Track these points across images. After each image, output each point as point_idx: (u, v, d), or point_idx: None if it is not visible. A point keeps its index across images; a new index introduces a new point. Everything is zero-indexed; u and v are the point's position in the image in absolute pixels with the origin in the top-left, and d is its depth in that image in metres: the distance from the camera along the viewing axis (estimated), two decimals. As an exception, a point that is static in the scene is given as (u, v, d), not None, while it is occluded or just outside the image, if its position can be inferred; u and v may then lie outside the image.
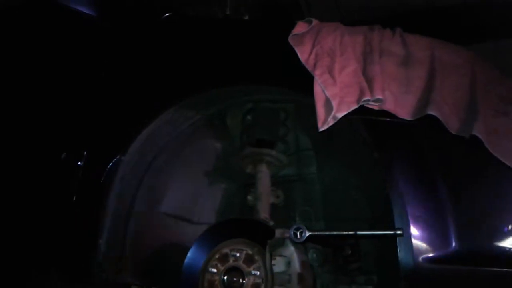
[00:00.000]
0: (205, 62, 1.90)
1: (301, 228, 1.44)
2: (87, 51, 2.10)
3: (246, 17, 2.12)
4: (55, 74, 2.06)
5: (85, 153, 1.96)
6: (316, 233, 1.47)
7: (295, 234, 1.44)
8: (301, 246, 1.56)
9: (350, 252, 1.83)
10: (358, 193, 1.75)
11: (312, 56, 1.64)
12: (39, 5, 2.17)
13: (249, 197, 1.89)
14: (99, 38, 2.13)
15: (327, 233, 1.61)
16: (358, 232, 1.41)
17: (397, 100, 1.50)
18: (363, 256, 1.81)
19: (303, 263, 1.51)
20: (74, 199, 1.91)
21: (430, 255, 1.35)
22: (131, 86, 1.97)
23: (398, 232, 1.32)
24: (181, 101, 1.87)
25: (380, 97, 1.49)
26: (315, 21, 1.79)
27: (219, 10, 2.17)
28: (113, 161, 1.90)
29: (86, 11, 2.15)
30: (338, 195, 1.86)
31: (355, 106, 1.49)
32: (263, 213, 1.79)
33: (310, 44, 1.68)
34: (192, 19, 2.12)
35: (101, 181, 1.89)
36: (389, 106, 1.50)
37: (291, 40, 1.71)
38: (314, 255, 1.89)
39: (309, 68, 1.62)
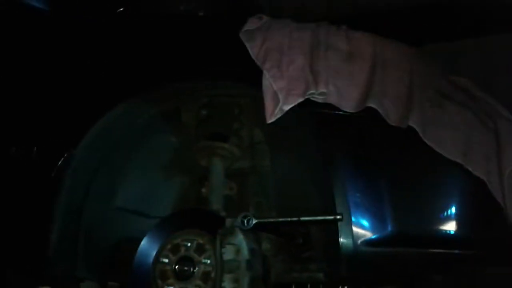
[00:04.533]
0: (159, 58, 1.98)
1: (248, 216, 1.55)
2: (39, 45, 2.13)
3: (201, 13, 2.20)
4: (6, 68, 2.09)
5: (35, 148, 2.00)
6: (263, 220, 1.57)
7: (243, 222, 1.55)
8: (251, 234, 1.67)
9: (301, 241, 1.94)
10: (309, 184, 1.86)
11: (262, 52, 1.75)
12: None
13: (203, 190, 1.98)
14: (52, 32, 2.17)
15: (272, 220, 1.72)
16: (301, 218, 1.53)
17: (340, 93, 1.63)
18: (314, 245, 1.93)
19: (252, 251, 1.62)
20: (24, 194, 1.95)
21: (369, 238, 1.48)
22: (83, 80, 2.02)
23: (338, 217, 1.45)
24: (134, 96, 1.94)
25: (324, 90, 1.61)
26: (265, 18, 1.90)
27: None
28: (64, 155, 1.95)
29: (39, 5, 2.19)
30: (290, 186, 1.97)
31: (301, 99, 1.61)
32: (216, 205, 1.89)
33: (261, 39, 1.79)
34: (147, 14, 2.19)
35: (52, 176, 1.94)
36: (333, 99, 1.63)
37: (242, 36, 1.82)
38: (268, 245, 1.99)
39: (258, 62, 1.73)
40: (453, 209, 1.55)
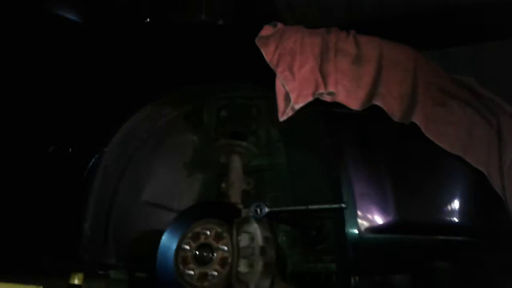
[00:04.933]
0: (182, 63, 2.15)
1: (261, 206, 1.69)
2: (72, 53, 2.35)
3: (221, 22, 2.37)
4: (45, 75, 2.31)
5: (70, 148, 2.21)
6: (274, 209, 1.71)
7: (256, 211, 1.69)
8: (265, 224, 1.80)
9: (315, 233, 2.07)
10: (320, 178, 1.99)
11: (276, 56, 1.90)
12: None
13: (222, 185, 2.13)
14: (85, 41, 2.39)
15: (283, 208, 1.85)
16: (309, 207, 1.66)
17: (348, 93, 1.76)
18: (327, 237, 2.05)
19: (265, 238, 1.75)
20: (61, 189, 2.15)
21: (373, 226, 1.60)
22: (113, 85, 2.22)
23: (343, 205, 1.57)
24: (159, 99, 2.12)
25: (332, 90, 1.75)
26: (279, 25, 2.06)
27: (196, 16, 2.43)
28: (96, 154, 2.14)
29: (73, 18, 2.41)
30: (304, 181, 2.10)
31: (310, 99, 1.75)
32: (234, 198, 2.04)
33: (274, 45, 1.94)
34: (171, 23, 2.37)
35: (85, 172, 2.13)
36: (341, 98, 1.76)
37: (257, 42, 1.97)
38: (284, 237, 2.13)
39: (272, 66, 1.87)
40: (454, 199, 1.65)
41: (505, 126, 1.75)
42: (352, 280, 2.00)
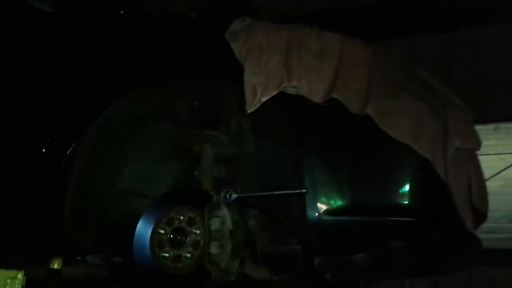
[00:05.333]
0: (156, 55, 2.26)
1: (230, 192, 1.84)
2: (48, 43, 2.43)
3: (193, 15, 2.48)
4: (20, 66, 2.39)
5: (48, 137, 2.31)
6: (242, 195, 1.86)
7: (225, 196, 1.84)
8: (234, 209, 1.95)
9: (282, 218, 2.23)
10: (286, 165, 2.14)
11: (244, 50, 2.03)
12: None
13: (195, 172, 2.26)
14: (58, 32, 2.46)
15: (250, 194, 2.00)
16: (274, 192, 1.82)
17: (310, 87, 1.91)
18: (293, 221, 2.22)
19: (234, 222, 1.91)
20: (40, 177, 2.25)
21: (331, 209, 1.77)
22: (89, 75, 2.31)
23: (303, 190, 1.73)
24: (134, 90, 2.23)
25: (295, 84, 1.89)
26: (248, 19, 2.18)
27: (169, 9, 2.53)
28: (74, 144, 2.25)
29: (46, 9, 2.48)
30: (272, 168, 2.25)
31: (275, 92, 1.89)
32: (206, 185, 2.17)
33: (243, 40, 2.06)
34: (145, 15, 2.47)
35: (63, 161, 2.24)
36: (304, 92, 1.91)
37: (227, 36, 2.09)
38: (254, 222, 2.29)
39: (241, 60, 2.00)
40: (403, 184, 1.83)
41: (451, 117, 1.93)
42: (316, 260, 2.19)
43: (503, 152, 5.88)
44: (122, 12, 2.46)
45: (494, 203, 6.10)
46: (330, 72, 1.93)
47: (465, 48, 5.84)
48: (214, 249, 1.87)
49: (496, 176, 5.88)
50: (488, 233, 6.00)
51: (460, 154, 1.93)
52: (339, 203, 1.79)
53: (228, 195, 1.84)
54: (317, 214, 1.77)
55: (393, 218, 1.82)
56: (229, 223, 1.89)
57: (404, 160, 1.84)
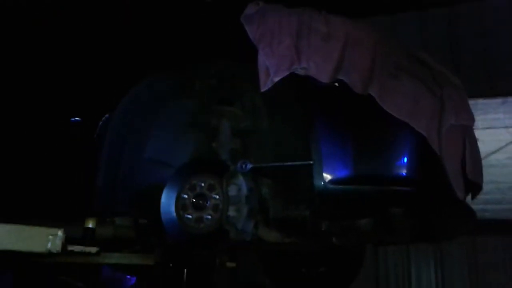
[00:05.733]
0: (177, 39, 2.47)
1: (245, 162, 2.07)
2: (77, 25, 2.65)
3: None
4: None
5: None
6: (256, 165, 2.09)
7: (241, 167, 2.08)
8: (249, 177, 2.19)
9: (292, 186, 2.46)
10: (298, 139, 2.36)
11: (258, 34, 2.22)
12: None
13: (213, 144, 2.49)
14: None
15: (263, 165, 2.24)
16: (284, 164, 2.04)
17: (318, 68, 2.11)
18: (302, 189, 2.45)
19: (249, 189, 2.15)
20: (77, 150, 2.53)
21: (335, 178, 1.99)
22: (116, 56, 2.54)
23: (310, 162, 1.95)
24: (157, 70, 2.45)
25: (305, 66, 2.09)
26: (261, 3, 2.36)
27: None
28: (103, 118, 2.50)
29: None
30: (285, 141, 2.47)
31: (287, 73, 2.10)
32: (224, 156, 2.41)
33: (257, 23, 2.26)
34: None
35: (95, 136, 2.50)
36: (312, 72, 2.11)
37: (243, 19, 2.28)
38: (267, 190, 2.52)
39: (255, 43, 2.20)
40: (401, 156, 2.04)
41: (447, 96, 2.12)
42: (323, 225, 2.43)
43: (511, 126, 5.99)
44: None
45: (501, 175, 6.27)
46: (336, 55, 2.12)
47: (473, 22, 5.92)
48: (231, 212, 2.12)
49: (503, 149, 6.01)
50: (493, 204, 6.18)
51: (454, 130, 2.13)
52: (343, 173, 2.01)
53: (244, 165, 2.08)
54: (322, 183, 1.99)
55: (391, 187, 2.04)
56: (244, 190, 2.13)
57: (401, 135, 2.04)
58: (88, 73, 2.54)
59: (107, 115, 2.64)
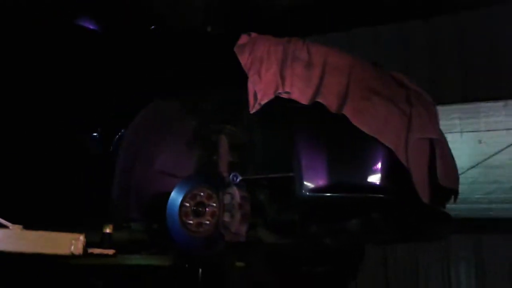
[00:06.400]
0: (185, 65, 2.81)
1: (236, 175, 2.39)
2: (97, 56, 3.03)
3: (209, 29, 3.00)
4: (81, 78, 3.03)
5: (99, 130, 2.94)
6: (245, 177, 2.41)
7: (233, 178, 2.40)
8: (243, 187, 2.50)
9: (282, 193, 2.78)
10: (283, 153, 2.65)
11: (249, 62, 2.54)
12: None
13: (214, 157, 2.81)
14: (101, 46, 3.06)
15: (250, 177, 2.55)
16: (268, 175, 2.36)
17: (300, 92, 2.41)
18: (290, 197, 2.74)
19: (242, 197, 2.46)
20: (95, 162, 2.89)
21: (314, 186, 2.29)
22: (129, 82, 2.90)
23: (291, 174, 2.26)
24: (165, 94, 2.80)
25: (288, 90, 2.40)
26: (253, 34, 2.68)
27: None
28: (118, 134, 2.86)
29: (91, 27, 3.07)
30: (274, 155, 2.77)
31: (272, 97, 2.41)
32: (223, 168, 2.73)
33: (248, 52, 2.58)
34: (172, 31, 3.01)
35: (110, 149, 2.87)
36: (295, 96, 2.41)
37: (236, 49, 2.61)
38: (263, 196, 2.83)
39: (246, 70, 2.52)
40: (374, 168, 2.33)
41: (416, 114, 2.40)
42: (312, 227, 2.74)
43: (512, 128, 6.16)
44: (152, 27, 3.02)
45: (503, 175, 6.45)
46: (315, 80, 2.42)
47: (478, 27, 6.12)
48: (226, 218, 2.43)
49: (505, 150, 6.18)
50: (496, 203, 6.36)
51: (422, 143, 2.40)
52: (321, 183, 2.32)
53: (235, 177, 2.40)
54: (303, 191, 2.30)
55: (364, 194, 2.33)
56: (237, 198, 2.44)
57: (373, 150, 2.33)
58: (105, 95, 2.90)
59: (121, 132, 3.00)
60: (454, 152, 6.50)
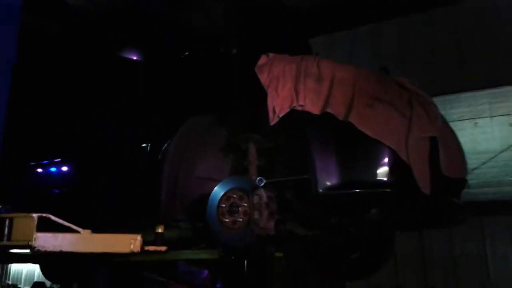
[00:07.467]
0: (212, 85, 3.25)
1: (262, 179, 2.79)
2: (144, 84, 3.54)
3: (235, 51, 3.41)
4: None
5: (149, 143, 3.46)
6: (269, 180, 2.81)
7: (259, 182, 2.79)
8: (269, 188, 2.89)
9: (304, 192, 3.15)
10: (301, 157, 3.01)
11: (267, 80, 2.93)
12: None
13: (244, 163, 3.22)
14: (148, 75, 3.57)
15: (274, 180, 2.93)
16: (290, 178, 2.74)
17: (312, 104, 2.78)
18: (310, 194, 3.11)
19: (268, 197, 2.86)
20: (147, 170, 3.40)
21: (328, 185, 2.66)
22: (170, 102, 3.39)
23: (306, 176, 2.64)
24: (201, 111, 3.25)
25: (302, 103, 2.77)
26: (271, 54, 3.06)
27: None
28: (164, 146, 3.35)
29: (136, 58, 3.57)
30: (294, 158, 3.13)
31: (288, 110, 2.79)
32: (252, 172, 3.14)
33: (267, 71, 2.96)
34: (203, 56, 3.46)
35: (158, 159, 3.35)
36: (307, 108, 2.78)
37: (256, 70, 3.00)
38: (290, 195, 3.21)
39: (265, 87, 2.91)
40: (380, 165, 2.66)
41: (416, 115, 2.70)
42: (332, 220, 3.11)
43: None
44: (186, 53, 3.47)
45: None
46: (325, 92, 2.78)
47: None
48: (256, 215, 2.84)
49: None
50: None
51: (422, 141, 2.70)
52: (333, 182, 2.68)
53: (260, 181, 2.80)
54: (319, 190, 2.67)
55: (373, 190, 2.67)
56: (264, 198, 2.84)
57: (378, 150, 2.66)
58: (152, 114, 3.41)
59: (166, 144, 3.48)
60: (485, 136, 6.66)
